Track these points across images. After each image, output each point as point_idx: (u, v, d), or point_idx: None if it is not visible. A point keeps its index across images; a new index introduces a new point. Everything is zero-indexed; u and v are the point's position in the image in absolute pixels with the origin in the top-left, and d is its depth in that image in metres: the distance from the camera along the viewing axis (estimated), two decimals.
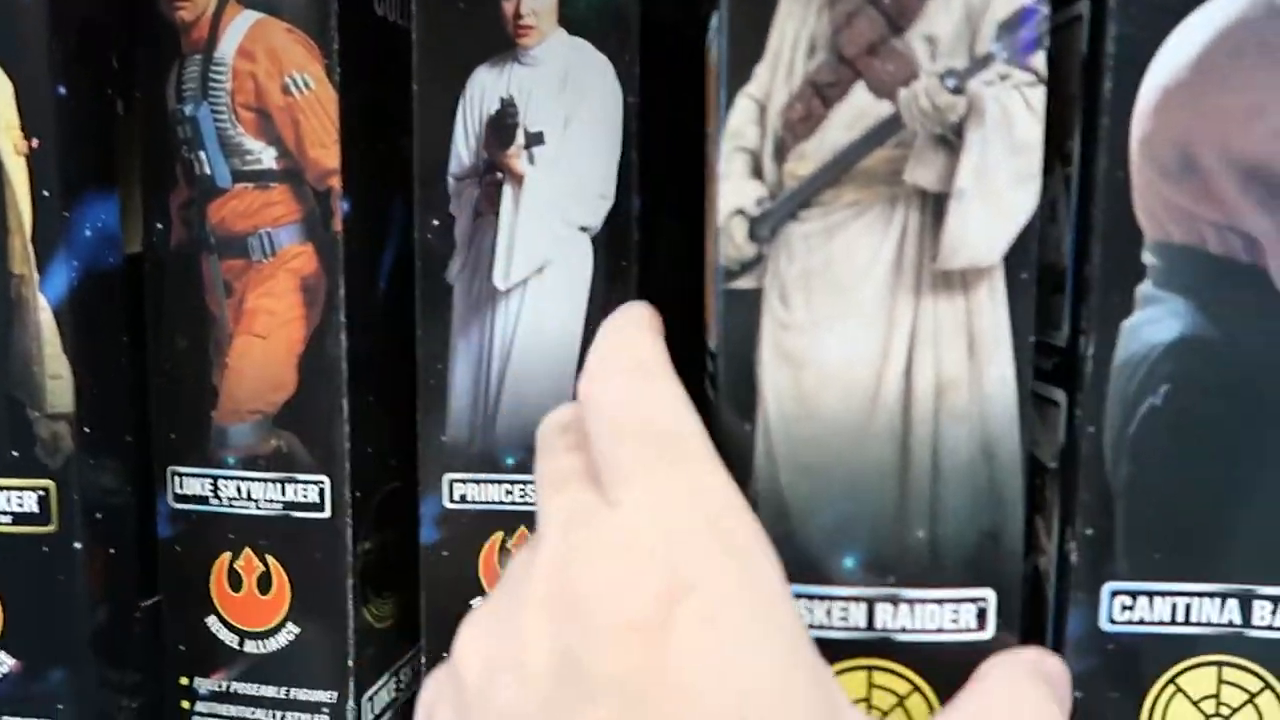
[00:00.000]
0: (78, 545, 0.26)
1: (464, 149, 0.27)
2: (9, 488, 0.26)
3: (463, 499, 0.28)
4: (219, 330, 0.28)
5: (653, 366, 0.18)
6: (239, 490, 0.29)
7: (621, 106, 0.26)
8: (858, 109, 0.18)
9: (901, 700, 0.20)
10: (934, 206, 0.18)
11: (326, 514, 0.28)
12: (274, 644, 0.29)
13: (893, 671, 0.19)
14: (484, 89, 0.27)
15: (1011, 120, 0.18)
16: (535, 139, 0.27)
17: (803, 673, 0.15)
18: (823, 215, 0.18)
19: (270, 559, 0.29)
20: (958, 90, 0.18)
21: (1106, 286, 0.19)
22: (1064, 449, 0.20)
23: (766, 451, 0.19)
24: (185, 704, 0.30)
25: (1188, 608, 0.20)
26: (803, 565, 0.19)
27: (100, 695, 0.27)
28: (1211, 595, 0.20)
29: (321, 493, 0.28)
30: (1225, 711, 0.20)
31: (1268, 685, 0.20)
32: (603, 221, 0.27)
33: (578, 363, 0.28)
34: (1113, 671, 0.20)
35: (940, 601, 0.19)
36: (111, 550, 0.28)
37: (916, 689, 0.20)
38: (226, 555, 0.29)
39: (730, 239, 0.19)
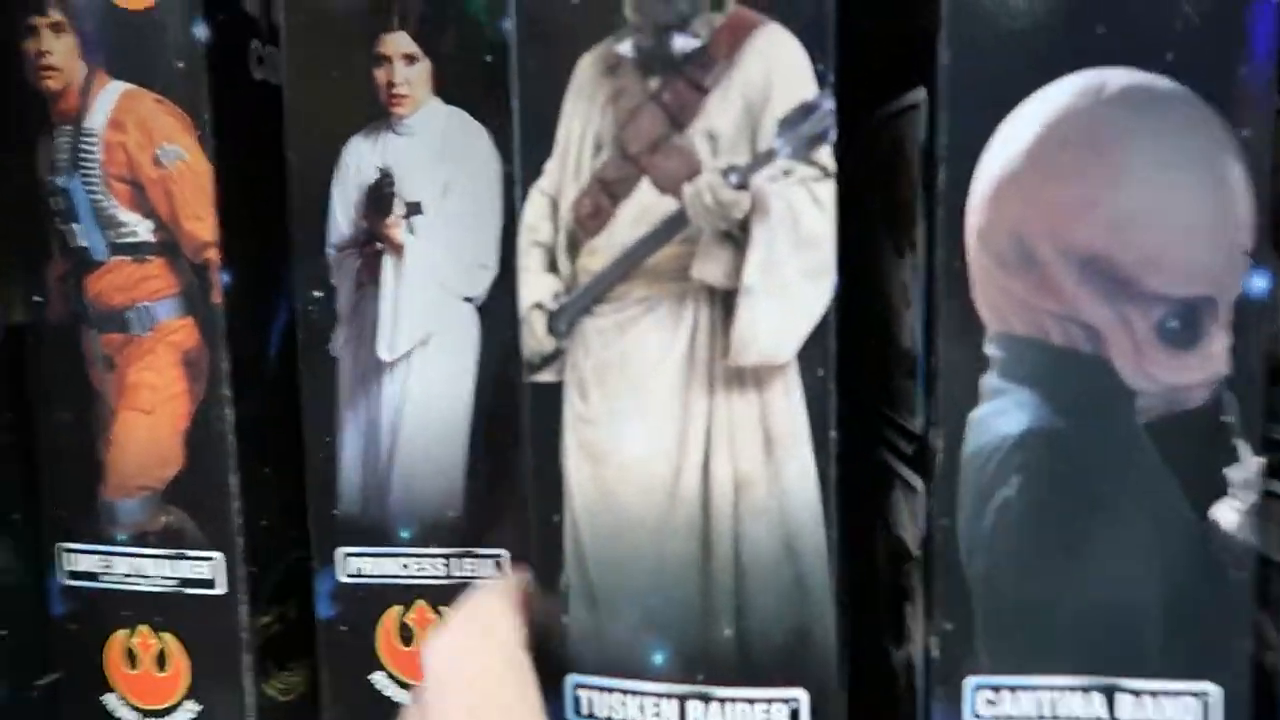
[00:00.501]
0: None
1: (342, 219, 0.27)
2: None
3: (359, 573, 0.29)
4: (101, 405, 0.28)
5: (493, 634, 0.18)
6: (131, 567, 0.29)
7: (500, 175, 0.26)
8: (643, 205, 0.18)
9: None
10: (723, 303, 0.18)
11: (221, 590, 0.28)
12: None
13: None
14: (360, 158, 0.27)
15: (797, 216, 0.18)
16: (414, 208, 0.27)
17: None
18: (615, 310, 0.19)
19: (166, 636, 0.29)
20: (741, 186, 0.18)
21: (951, 378, 0.19)
22: (924, 538, 0.20)
23: (574, 543, 0.19)
24: None
25: (1053, 702, 0.20)
26: (612, 658, 0.20)
27: None
28: (1074, 689, 0.20)
29: (214, 569, 0.28)
30: None
31: None
32: (487, 291, 0.27)
33: (469, 433, 0.28)
34: None
35: (751, 701, 0.19)
36: (3, 632, 0.28)
37: None
38: (122, 632, 0.29)
39: (531, 332, 0.19)
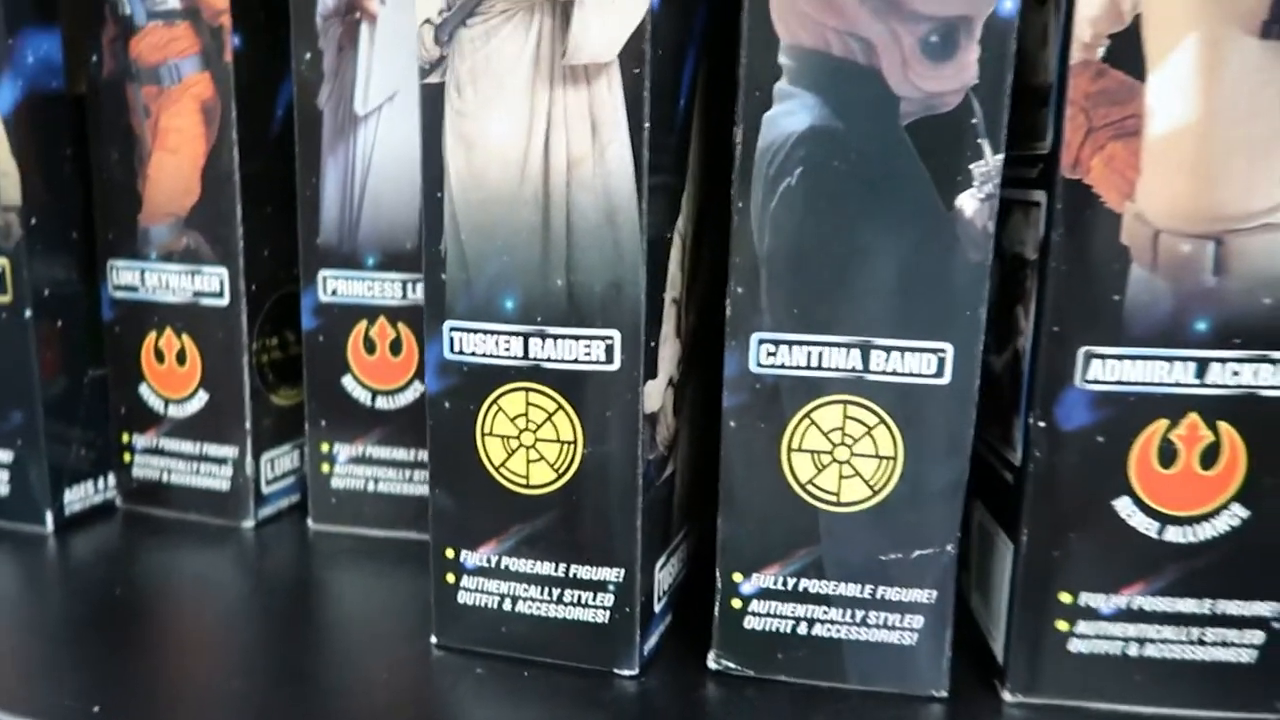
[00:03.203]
0: (28, 314, 0.35)
1: None
2: None
3: (334, 293, 0.36)
4: (141, 146, 0.36)
5: None
6: (160, 280, 0.37)
7: None
8: None
9: (550, 416, 0.26)
10: (563, 11, 0.24)
11: (226, 301, 0.36)
12: (190, 408, 0.37)
13: (543, 393, 0.26)
14: None
15: None
16: None
17: None
18: (483, 21, 0.24)
19: (185, 337, 0.37)
20: None
21: (750, 84, 0.24)
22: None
23: (451, 214, 0.26)
24: (126, 456, 0.39)
25: (819, 355, 0.25)
26: (477, 306, 0.26)
27: (53, 439, 0.36)
28: (838, 345, 0.25)
29: (221, 282, 0.36)
30: (849, 441, 0.26)
31: (882, 420, 0.25)
32: None
33: None
34: (760, 407, 0.26)
35: (577, 338, 0.25)
36: (59, 323, 0.36)
37: (560, 407, 0.26)
38: (153, 334, 0.37)
39: (421, 43, 0.25)
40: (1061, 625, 0.26)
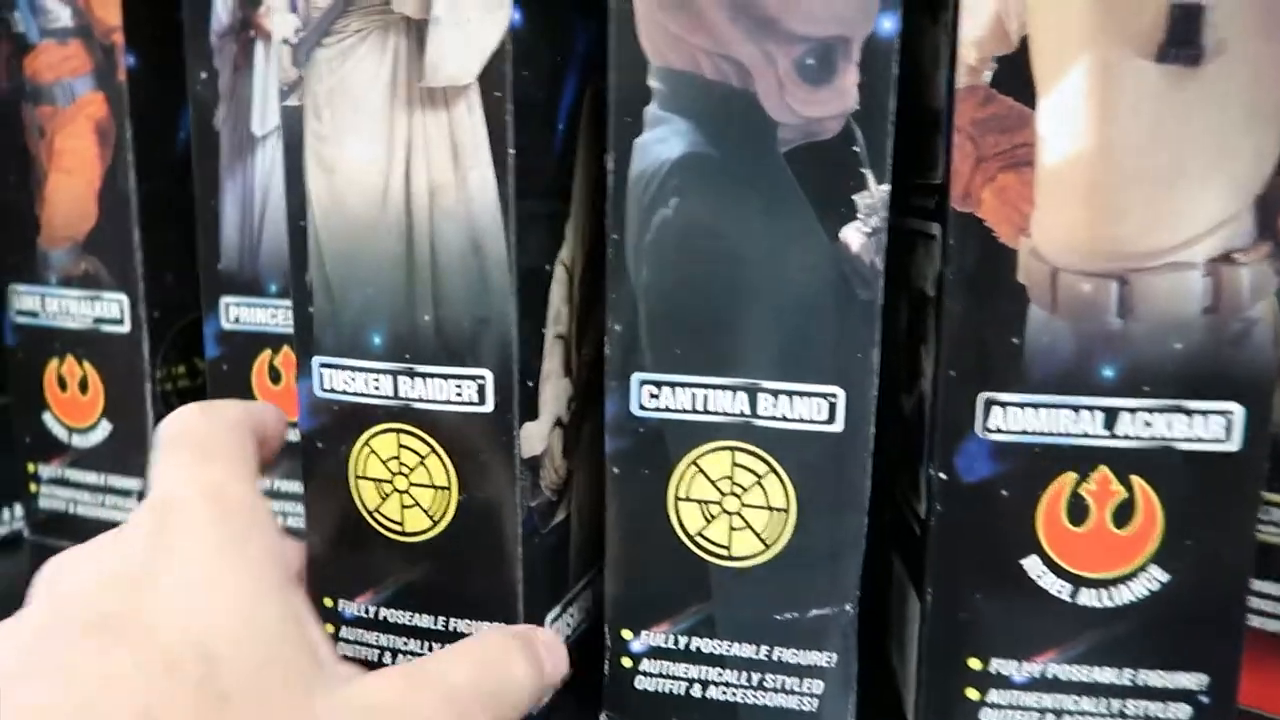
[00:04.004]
0: None
1: (223, 9, 0.33)
2: None
3: (237, 320, 0.35)
4: (37, 168, 0.35)
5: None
6: (60, 306, 0.36)
7: None
8: None
9: (423, 460, 0.25)
10: (418, 32, 0.23)
11: (127, 328, 0.35)
12: (94, 438, 0.36)
13: (415, 435, 0.25)
14: None
15: None
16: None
17: (270, 602, 0.20)
18: (338, 42, 0.23)
19: (87, 365, 0.36)
20: None
21: (620, 109, 0.23)
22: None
23: (315, 243, 0.24)
24: (32, 486, 0.38)
25: (705, 398, 0.24)
26: (344, 341, 0.25)
27: None
28: (724, 388, 0.24)
29: (121, 309, 0.35)
30: (739, 491, 0.24)
31: (772, 469, 0.24)
32: None
33: None
34: (644, 452, 0.24)
35: (446, 377, 0.24)
36: None
37: (434, 450, 0.25)
38: (55, 361, 0.36)
39: (280, 64, 0.24)
40: (972, 694, 0.24)
